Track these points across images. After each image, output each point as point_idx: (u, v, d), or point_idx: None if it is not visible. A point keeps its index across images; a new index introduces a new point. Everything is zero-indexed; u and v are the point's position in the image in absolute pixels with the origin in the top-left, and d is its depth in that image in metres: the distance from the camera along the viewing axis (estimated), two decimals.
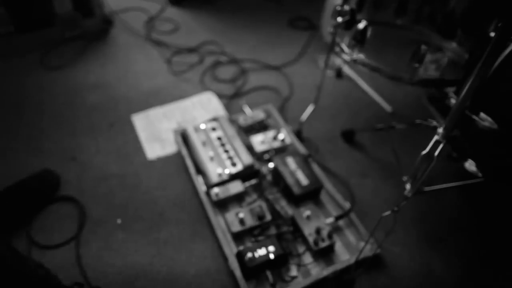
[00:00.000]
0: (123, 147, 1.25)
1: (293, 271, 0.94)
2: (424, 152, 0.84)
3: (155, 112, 1.39)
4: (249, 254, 0.91)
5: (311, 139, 1.30)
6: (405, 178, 0.88)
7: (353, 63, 1.08)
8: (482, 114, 0.91)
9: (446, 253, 1.02)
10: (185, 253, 0.98)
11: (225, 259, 0.96)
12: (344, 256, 0.97)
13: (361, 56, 1.07)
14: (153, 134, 1.30)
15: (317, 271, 0.93)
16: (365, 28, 1.04)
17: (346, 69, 1.65)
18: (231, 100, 1.47)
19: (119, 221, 1.04)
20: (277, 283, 0.90)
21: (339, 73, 1.62)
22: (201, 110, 1.41)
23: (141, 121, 1.35)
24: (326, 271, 0.92)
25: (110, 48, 1.72)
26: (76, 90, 1.46)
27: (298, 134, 1.30)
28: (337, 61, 1.67)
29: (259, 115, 1.31)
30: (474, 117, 0.92)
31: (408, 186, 0.87)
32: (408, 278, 0.96)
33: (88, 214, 1.05)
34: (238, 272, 0.91)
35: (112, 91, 1.47)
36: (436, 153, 0.83)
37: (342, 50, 1.10)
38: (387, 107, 1.46)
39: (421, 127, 1.02)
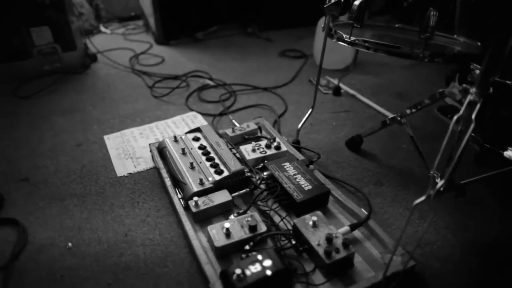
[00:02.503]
0: (88, 166, 1.05)
1: None
2: (457, 115, 0.65)
3: (131, 131, 1.21)
4: (238, 272, 0.66)
5: (311, 150, 1.10)
6: (432, 172, 0.68)
7: (353, 45, 0.93)
8: None
9: (500, 266, 0.76)
10: (152, 279, 0.72)
11: (206, 284, 0.70)
12: (367, 274, 0.72)
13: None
14: (126, 152, 1.11)
15: None
16: (361, 4, 0.92)
17: (344, 86, 1.52)
18: (218, 118, 1.31)
19: (69, 244, 0.80)
20: None
21: (337, 91, 1.49)
22: (185, 127, 1.24)
23: (113, 140, 1.16)
24: None
25: (90, 79, 1.61)
26: (45, 115, 1.31)
27: (296, 144, 1.11)
28: (333, 80, 1.55)
29: (251, 126, 1.13)
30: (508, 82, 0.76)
31: (438, 180, 0.67)
32: None
33: (30, 238, 0.81)
34: None
35: (85, 115, 1.32)
36: (474, 115, 0.65)
37: (339, 34, 0.96)
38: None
39: (436, 122, 0.84)
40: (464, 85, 0.72)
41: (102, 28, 2.27)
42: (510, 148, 0.87)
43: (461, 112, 0.66)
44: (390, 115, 1.29)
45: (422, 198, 0.63)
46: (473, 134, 0.94)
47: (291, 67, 1.75)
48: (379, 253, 0.76)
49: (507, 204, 0.93)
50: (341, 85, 1.51)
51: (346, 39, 0.94)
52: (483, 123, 0.97)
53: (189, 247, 0.78)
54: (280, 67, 1.75)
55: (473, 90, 0.68)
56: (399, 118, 0.98)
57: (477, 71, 0.77)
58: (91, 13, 2.20)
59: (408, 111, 0.95)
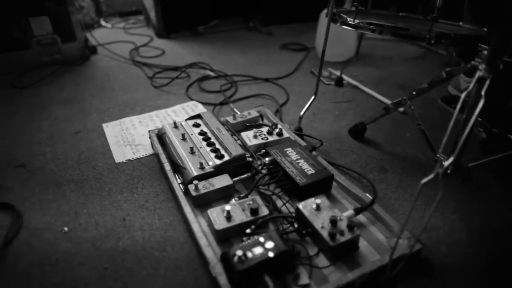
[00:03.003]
0: (87, 153, 1.02)
1: (304, 279, 0.65)
2: (466, 91, 0.63)
3: (130, 120, 1.19)
4: (239, 253, 0.63)
5: (313, 137, 1.08)
6: (439, 155, 0.65)
7: (357, 28, 0.91)
8: None
9: (510, 249, 0.74)
10: (150, 264, 0.70)
11: (205, 268, 0.68)
12: (372, 257, 0.69)
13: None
14: (125, 139, 1.09)
15: (338, 276, 0.65)
16: None
17: (346, 77, 1.50)
18: (219, 108, 1.28)
19: (65, 229, 0.78)
20: None
21: (339, 82, 1.46)
22: (185, 116, 1.22)
23: (112, 128, 1.14)
24: (352, 275, 0.64)
25: (89, 70, 1.59)
26: (43, 105, 1.29)
27: (298, 131, 1.09)
28: (335, 72, 1.53)
29: (252, 113, 1.11)
30: None
31: (446, 162, 0.64)
32: (470, 283, 0.67)
33: (25, 223, 0.79)
34: (223, 279, 0.62)
35: (84, 104, 1.30)
36: (483, 91, 0.63)
37: (343, 18, 0.94)
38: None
39: (440, 112, 0.82)
40: (473, 62, 0.70)
41: (103, 22, 2.25)
42: None
43: (470, 86, 0.64)
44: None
45: (430, 176, 0.61)
46: (480, 119, 0.92)
47: (293, 59, 1.73)
48: (385, 237, 0.74)
49: None
50: (344, 76, 1.49)
51: (350, 22, 0.92)
52: (490, 110, 0.95)
53: (189, 231, 0.76)
54: (282, 60, 1.73)
55: (482, 66, 0.66)
56: (404, 102, 0.96)
57: (485, 52, 0.75)
58: (92, 7, 2.19)
59: (414, 93, 0.93)
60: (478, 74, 0.64)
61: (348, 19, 0.92)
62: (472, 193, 0.89)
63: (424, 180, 0.61)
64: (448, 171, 0.80)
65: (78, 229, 0.78)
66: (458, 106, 0.62)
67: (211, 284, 0.66)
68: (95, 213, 0.82)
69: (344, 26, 0.95)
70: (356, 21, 0.91)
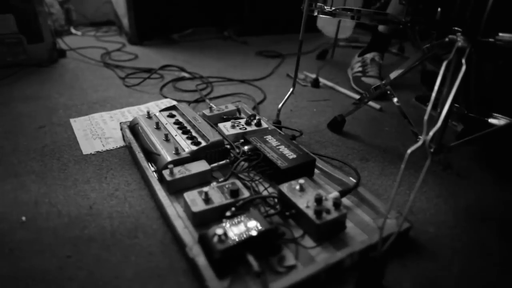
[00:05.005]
0: (51, 146, 0.95)
1: (290, 260, 0.60)
2: (447, 60, 0.62)
3: (100, 115, 1.13)
4: (219, 232, 0.58)
5: (292, 129, 1.05)
6: (421, 137, 0.64)
7: (334, 16, 0.91)
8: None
9: (500, 231, 0.72)
10: (120, 250, 0.63)
11: (181, 253, 0.62)
12: (360, 237, 0.66)
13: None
14: (94, 133, 1.02)
15: (325, 256, 0.61)
16: None
17: (322, 80, 1.50)
18: (195, 105, 1.24)
19: (23, 218, 0.69)
20: (265, 272, 0.56)
21: (315, 83, 1.47)
22: None
23: (80, 123, 1.07)
24: (341, 253, 0.60)
25: (57, 71, 1.52)
26: (4, 102, 1.20)
27: (277, 124, 1.06)
28: (310, 75, 1.53)
29: (229, 107, 1.07)
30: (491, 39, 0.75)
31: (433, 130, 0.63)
32: (460, 260, 0.65)
33: None
34: (201, 260, 0.56)
35: (50, 102, 1.22)
36: (464, 59, 0.63)
37: (319, 7, 0.94)
38: (375, 105, 1.28)
39: (415, 110, 0.82)
40: (450, 36, 0.70)
41: (73, 30, 2.19)
42: (494, 115, 0.85)
43: (450, 56, 0.64)
44: (372, 105, 1.28)
45: (417, 145, 0.59)
46: (457, 105, 0.93)
47: (268, 65, 1.73)
48: (371, 219, 0.71)
49: (493, 174, 0.90)
50: (320, 78, 1.49)
51: (327, 10, 0.92)
52: (467, 98, 0.97)
53: (163, 217, 0.70)
54: (257, 65, 1.73)
55: (460, 37, 0.66)
56: (384, 86, 0.95)
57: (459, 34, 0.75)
58: (62, 14, 2.12)
59: (392, 77, 0.93)
60: (457, 44, 0.64)
61: (325, 6, 0.92)
62: (453, 179, 0.88)
63: (412, 149, 0.59)
64: (432, 150, 0.80)
65: (38, 219, 0.69)
66: (439, 76, 0.61)
67: (187, 269, 0.60)
68: (58, 203, 0.74)
69: (321, 15, 0.95)
70: (333, 8, 0.91)
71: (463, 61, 0.61)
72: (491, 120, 0.85)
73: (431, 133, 0.59)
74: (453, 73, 0.66)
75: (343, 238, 0.65)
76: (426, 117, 0.61)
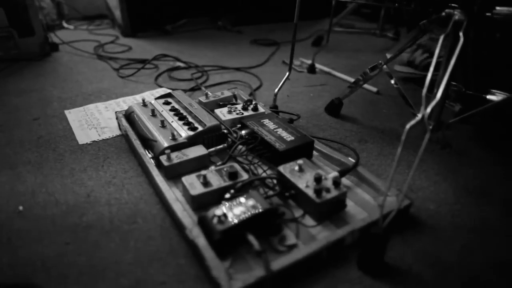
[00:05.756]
0: (46, 137, 0.94)
1: (291, 239, 0.60)
2: (444, 33, 0.62)
3: (95, 106, 1.11)
4: (219, 213, 0.58)
5: (290, 113, 1.05)
6: (420, 114, 0.62)
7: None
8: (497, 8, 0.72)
9: (500, 205, 0.72)
10: (119, 236, 0.63)
11: (181, 235, 0.61)
12: (360, 215, 0.65)
13: None
14: (90, 123, 1.01)
15: (326, 235, 0.60)
16: None
17: (318, 65, 1.49)
18: (190, 93, 1.23)
19: (20, 208, 0.69)
20: (266, 251, 0.56)
21: (311, 69, 1.45)
22: None
23: (74, 114, 1.06)
24: (342, 231, 0.60)
25: (50, 65, 1.50)
26: None
27: (274, 109, 1.06)
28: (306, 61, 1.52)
29: (225, 93, 1.06)
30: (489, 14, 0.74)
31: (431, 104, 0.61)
32: (461, 235, 0.64)
33: None
34: (201, 241, 0.56)
35: (44, 94, 1.20)
36: (461, 32, 0.62)
37: None
38: (372, 88, 1.27)
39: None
40: (447, 10, 0.69)
41: (65, 24, 2.16)
42: (492, 91, 0.85)
43: (448, 30, 0.63)
44: (369, 88, 1.27)
45: (416, 119, 0.58)
46: (454, 83, 0.92)
47: (263, 52, 1.71)
48: (372, 198, 0.70)
49: (492, 152, 0.90)
50: (316, 64, 1.48)
51: None
52: (464, 75, 0.96)
53: (162, 202, 0.69)
54: (252, 53, 1.71)
55: (457, 11, 0.65)
56: (380, 65, 0.94)
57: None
58: (53, 8, 2.09)
59: (389, 56, 0.92)
60: (454, 18, 0.63)
61: None
62: (452, 157, 0.88)
63: (410, 124, 0.58)
64: (430, 127, 0.79)
65: (35, 208, 0.69)
66: (436, 52, 0.61)
67: (188, 251, 0.59)
68: (55, 192, 0.73)
69: None
70: None
71: (461, 34, 0.60)
72: (489, 97, 0.84)
73: (429, 108, 0.59)
74: (451, 47, 0.65)
75: (343, 217, 0.65)
76: (424, 92, 0.61)
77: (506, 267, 0.58)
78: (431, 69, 0.63)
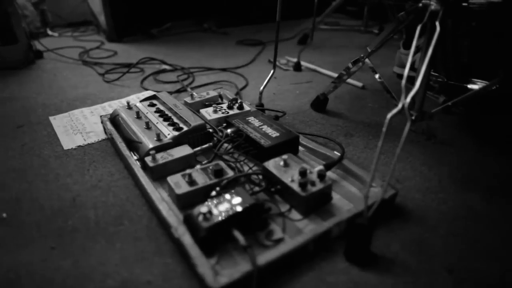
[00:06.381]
0: (30, 144, 0.93)
1: (278, 233, 0.60)
2: (421, 23, 0.62)
3: (80, 111, 1.11)
4: (204, 210, 0.57)
5: (275, 110, 1.05)
6: (401, 104, 0.61)
7: None
8: None
9: (484, 192, 0.73)
10: (105, 238, 0.62)
11: (168, 235, 0.61)
12: (346, 207, 0.66)
13: None
14: (75, 128, 1.00)
15: (313, 228, 0.60)
16: None
17: (304, 63, 1.50)
18: (176, 95, 1.23)
19: (4, 215, 0.68)
20: (252, 246, 0.56)
21: (297, 67, 1.46)
22: None
23: (59, 120, 1.05)
24: (328, 223, 0.60)
25: (34, 72, 1.49)
26: None
27: (260, 107, 1.06)
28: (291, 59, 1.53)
29: (211, 93, 1.06)
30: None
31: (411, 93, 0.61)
32: (447, 222, 0.65)
33: None
34: (187, 238, 0.56)
35: (28, 102, 1.19)
36: (437, 21, 0.63)
37: None
38: (357, 83, 1.28)
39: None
40: (423, 1, 0.70)
41: (49, 32, 2.14)
42: (473, 80, 0.86)
43: (424, 20, 0.64)
44: (355, 83, 1.28)
45: (397, 109, 0.59)
46: (436, 74, 0.93)
47: (249, 52, 1.72)
48: (358, 190, 0.71)
49: (476, 141, 0.91)
50: (302, 62, 1.49)
51: None
52: (446, 67, 0.97)
53: (148, 203, 0.69)
54: (238, 54, 1.72)
55: (433, 1, 0.66)
56: (362, 59, 0.95)
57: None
58: (36, 16, 2.08)
59: (370, 49, 0.93)
60: (430, 8, 0.64)
61: None
62: (437, 147, 0.89)
63: (391, 113, 0.59)
64: (413, 118, 0.80)
65: (19, 214, 0.68)
66: (415, 41, 0.61)
67: (174, 250, 0.59)
68: (40, 197, 0.72)
69: None
70: None
71: (437, 23, 0.61)
72: (470, 86, 0.86)
73: (409, 97, 0.59)
74: (428, 37, 0.66)
75: (330, 209, 0.65)
76: (403, 82, 0.61)
77: (490, 252, 0.59)
78: (409, 59, 0.64)
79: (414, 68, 1.32)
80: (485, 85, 0.81)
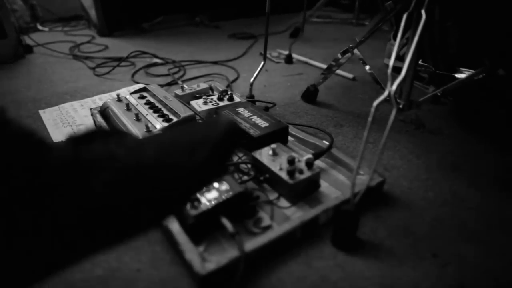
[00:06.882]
0: None
1: (266, 221, 0.61)
2: (407, 12, 0.63)
3: (71, 104, 1.10)
4: (192, 198, 0.58)
5: (266, 102, 1.05)
6: (387, 92, 0.61)
7: None
8: None
9: (470, 179, 0.74)
10: None
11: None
12: (334, 195, 0.67)
13: None
14: (65, 121, 1.00)
15: (300, 215, 0.61)
16: None
17: (295, 55, 1.50)
18: (167, 88, 1.23)
19: None
20: (240, 234, 0.57)
21: (289, 59, 1.46)
22: None
23: (49, 114, 1.05)
24: (316, 210, 0.61)
25: (24, 67, 1.47)
26: None
27: (250, 98, 1.06)
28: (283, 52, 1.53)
29: (201, 85, 1.06)
30: None
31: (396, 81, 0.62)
32: (433, 208, 0.66)
33: None
34: (175, 226, 0.56)
35: (18, 96, 1.18)
36: (423, 9, 0.63)
37: None
38: (348, 75, 1.29)
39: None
40: None
41: (39, 27, 2.12)
42: (461, 69, 0.87)
43: (410, 9, 0.65)
44: (345, 75, 1.29)
45: (383, 97, 0.60)
46: (424, 63, 0.94)
47: (241, 46, 1.72)
48: (346, 178, 0.72)
49: (464, 130, 0.92)
50: (293, 54, 1.49)
51: None
52: (434, 58, 0.98)
53: None
54: (230, 47, 1.71)
55: None
56: (351, 49, 0.96)
57: None
58: (26, 11, 2.06)
59: (358, 39, 0.93)
60: None
61: None
62: (426, 136, 0.90)
63: (377, 101, 0.59)
64: (400, 106, 0.81)
65: None
66: (401, 29, 0.62)
67: (163, 239, 0.59)
68: None
69: None
70: None
71: (423, 12, 0.62)
72: (457, 75, 0.86)
73: (395, 84, 0.60)
74: (414, 26, 0.67)
75: (318, 197, 0.66)
76: (389, 71, 0.62)
77: (474, 236, 0.60)
78: (395, 48, 0.64)
79: (402, 59, 1.33)
80: (471, 74, 0.82)
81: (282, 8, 2.24)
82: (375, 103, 0.59)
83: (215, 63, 1.46)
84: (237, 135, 0.44)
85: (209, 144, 0.40)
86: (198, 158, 0.40)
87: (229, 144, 0.42)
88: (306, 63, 1.45)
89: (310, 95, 1.08)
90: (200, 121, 0.85)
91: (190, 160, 0.39)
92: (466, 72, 0.86)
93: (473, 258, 0.56)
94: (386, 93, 0.59)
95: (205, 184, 0.43)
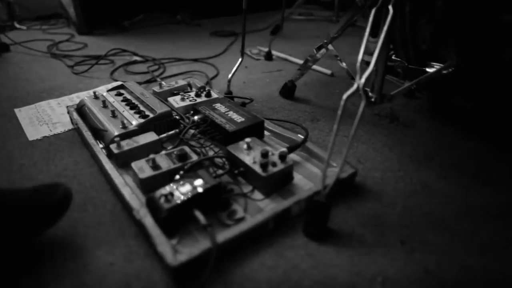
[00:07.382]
0: None
1: (239, 213, 0.62)
2: (375, 7, 0.65)
3: (47, 103, 1.09)
4: (165, 192, 0.58)
5: (243, 97, 1.06)
6: (356, 84, 0.62)
7: None
8: None
9: (440, 170, 0.76)
10: (68, 223, 0.62)
11: (131, 219, 0.62)
12: (307, 187, 0.68)
13: None
14: (41, 119, 0.98)
15: (273, 207, 0.62)
16: None
17: (275, 52, 1.51)
18: (146, 86, 1.22)
19: None
20: (213, 225, 0.57)
21: (268, 56, 1.47)
22: None
23: (25, 112, 1.03)
24: (288, 202, 0.62)
25: (0, 65, 1.45)
26: None
27: (228, 95, 1.07)
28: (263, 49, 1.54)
29: (180, 82, 1.06)
30: None
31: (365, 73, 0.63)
32: (403, 198, 0.68)
33: None
34: (148, 221, 0.57)
35: None
36: (390, 5, 0.65)
37: None
38: (326, 71, 1.31)
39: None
40: None
41: (17, 25, 2.08)
42: (432, 64, 0.89)
43: (378, 3, 0.66)
44: (323, 71, 1.31)
45: (352, 89, 0.61)
46: (397, 59, 0.96)
47: (222, 43, 1.72)
48: (320, 171, 0.73)
49: (436, 123, 0.95)
50: (273, 51, 1.50)
51: None
52: (407, 55, 1.00)
53: (113, 189, 0.69)
54: (211, 45, 1.72)
55: None
56: (326, 44, 0.97)
57: None
58: (2, 9, 2.01)
59: (331, 35, 0.95)
60: None
61: None
62: (399, 130, 0.92)
63: (347, 94, 0.61)
64: (372, 100, 0.82)
65: None
66: (369, 23, 0.63)
67: (137, 233, 0.60)
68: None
69: None
70: None
71: (390, 7, 0.64)
72: (428, 69, 0.89)
73: (364, 77, 0.61)
74: (384, 21, 0.68)
75: (291, 189, 0.67)
76: (358, 64, 0.64)
77: (441, 224, 0.62)
78: (363, 45, 0.66)
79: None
80: (439, 67, 0.84)
81: (264, 6, 2.25)
82: (345, 96, 0.61)
83: (195, 60, 1.46)
84: None
85: None
86: None
87: None
88: (286, 60, 1.46)
89: (287, 91, 1.10)
90: (176, 116, 0.85)
91: None
92: (436, 66, 0.89)
93: (439, 244, 0.58)
94: (355, 86, 0.61)
95: None
